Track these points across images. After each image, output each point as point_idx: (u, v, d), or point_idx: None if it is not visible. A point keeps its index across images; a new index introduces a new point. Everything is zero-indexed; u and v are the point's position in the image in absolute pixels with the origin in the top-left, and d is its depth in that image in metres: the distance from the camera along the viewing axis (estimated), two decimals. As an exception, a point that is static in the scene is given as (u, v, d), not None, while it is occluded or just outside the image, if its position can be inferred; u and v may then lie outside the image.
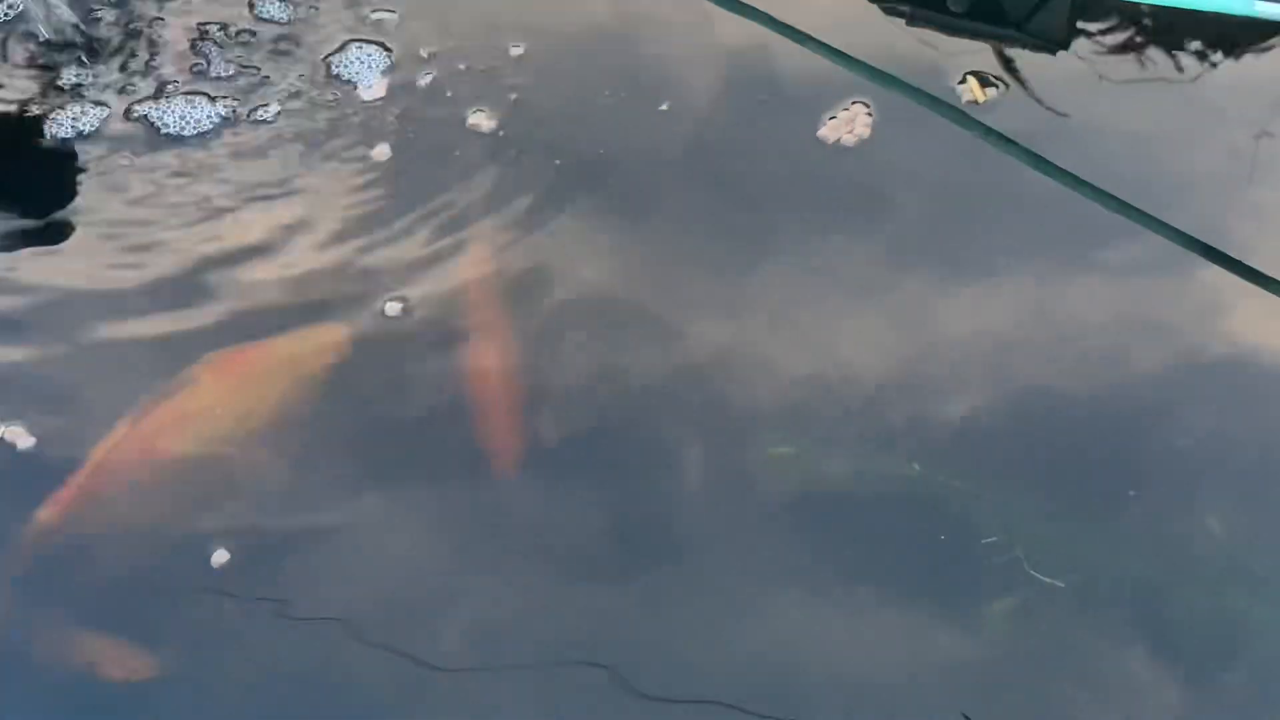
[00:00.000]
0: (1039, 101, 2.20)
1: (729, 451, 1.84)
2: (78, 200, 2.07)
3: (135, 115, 2.14)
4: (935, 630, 1.71)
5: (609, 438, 1.86)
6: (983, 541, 1.76)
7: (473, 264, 2.00)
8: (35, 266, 2.00)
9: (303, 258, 2.02)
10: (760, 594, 1.73)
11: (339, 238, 2.04)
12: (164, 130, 2.13)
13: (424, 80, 2.20)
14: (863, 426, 1.86)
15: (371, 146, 2.13)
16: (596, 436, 1.86)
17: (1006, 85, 2.21)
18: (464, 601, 1.73)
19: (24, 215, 2.05)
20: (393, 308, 1.94)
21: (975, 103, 2.18)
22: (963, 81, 2.21)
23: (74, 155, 2.10)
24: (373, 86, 2.17)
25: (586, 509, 1.80)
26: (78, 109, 2.14)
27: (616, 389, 1.90)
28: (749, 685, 1.67)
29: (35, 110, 2.15)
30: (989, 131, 2.15)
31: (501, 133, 2.14)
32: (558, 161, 2.11)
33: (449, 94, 2.19)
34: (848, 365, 1.92)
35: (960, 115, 2.17)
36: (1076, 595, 1.73)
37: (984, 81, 2.20)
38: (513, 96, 2.18)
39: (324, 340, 1.92)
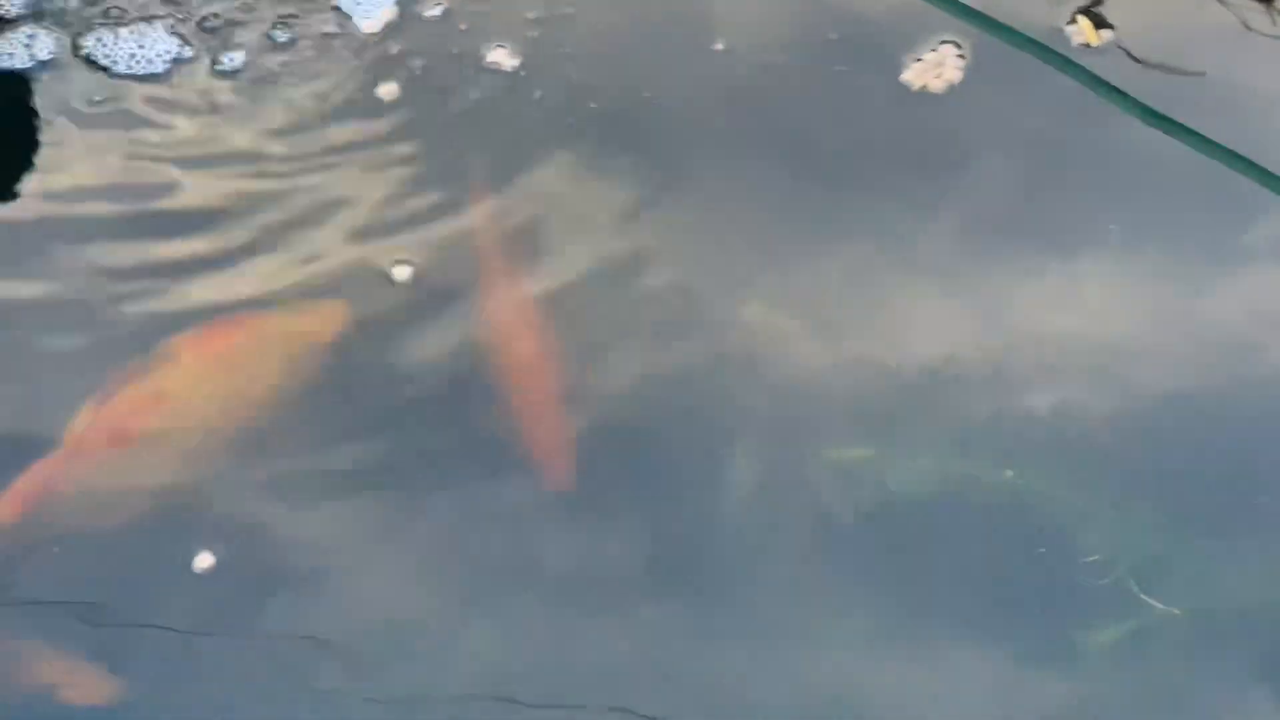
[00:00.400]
0: (1165, 49, 2.10)
1: (786, 454, 1.79)
2: (28, 147, 2.02)
3: (84, 51, 2.09)
4: (1025, 666, 1.67)
5: (645, 437, 1.81)
6: (1084, 560, 1.71)
7: (493, 225, 1.94)
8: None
9: (297, 217, 1.96)
10: (819, 625, 1.70)
11: (338, 194, 1.98)
12: (125, 67, 2.08)
13: (434, 9, 2.12)
14: (944, 425, 1.81)
15: (374, 89, 2.07)
16: (630, 436, 1.81)
17: (1126, 27, 2.11)
18: (477, 626, 1.69)
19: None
20: (401, 273, 1.89)
21: (1087, 46, 2.09)
22: (1073, 21, 2.12)
23: (21, 94, 2.06)
24: (374, 17, 2.11)
25: (617, 523, 1.76)
26: (21, 39, 2.10)
27: (656, 379, 1.85)
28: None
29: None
30: (1102, 83, 2.06)
31: (524, 72, 2.08)
32: (591, 105, 2.04)
33: (464, 26, 2.12)
34: (928, 354, 1.86)
35: (1069, 62, 2.08)
36: (1194, 624, 1.69)
37: (1099, 21, 2.11)
38: (538, 30, 2.11)
39: (322, 313, 1.87)
